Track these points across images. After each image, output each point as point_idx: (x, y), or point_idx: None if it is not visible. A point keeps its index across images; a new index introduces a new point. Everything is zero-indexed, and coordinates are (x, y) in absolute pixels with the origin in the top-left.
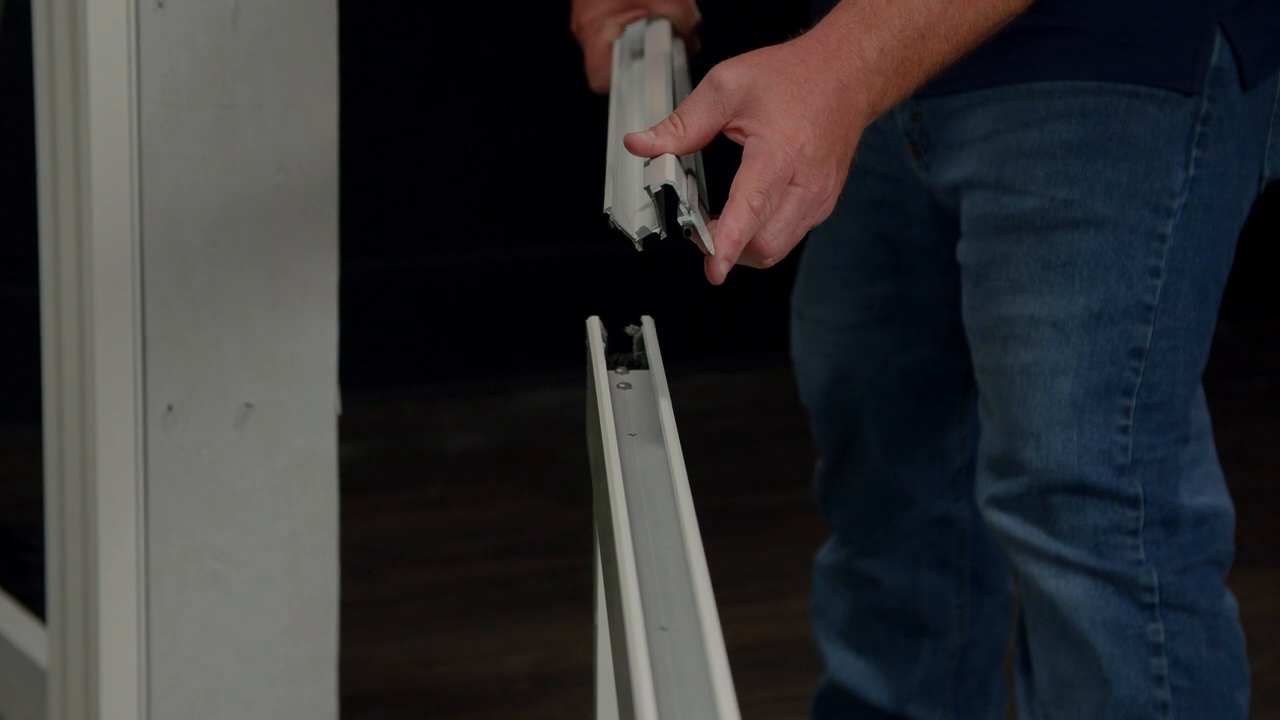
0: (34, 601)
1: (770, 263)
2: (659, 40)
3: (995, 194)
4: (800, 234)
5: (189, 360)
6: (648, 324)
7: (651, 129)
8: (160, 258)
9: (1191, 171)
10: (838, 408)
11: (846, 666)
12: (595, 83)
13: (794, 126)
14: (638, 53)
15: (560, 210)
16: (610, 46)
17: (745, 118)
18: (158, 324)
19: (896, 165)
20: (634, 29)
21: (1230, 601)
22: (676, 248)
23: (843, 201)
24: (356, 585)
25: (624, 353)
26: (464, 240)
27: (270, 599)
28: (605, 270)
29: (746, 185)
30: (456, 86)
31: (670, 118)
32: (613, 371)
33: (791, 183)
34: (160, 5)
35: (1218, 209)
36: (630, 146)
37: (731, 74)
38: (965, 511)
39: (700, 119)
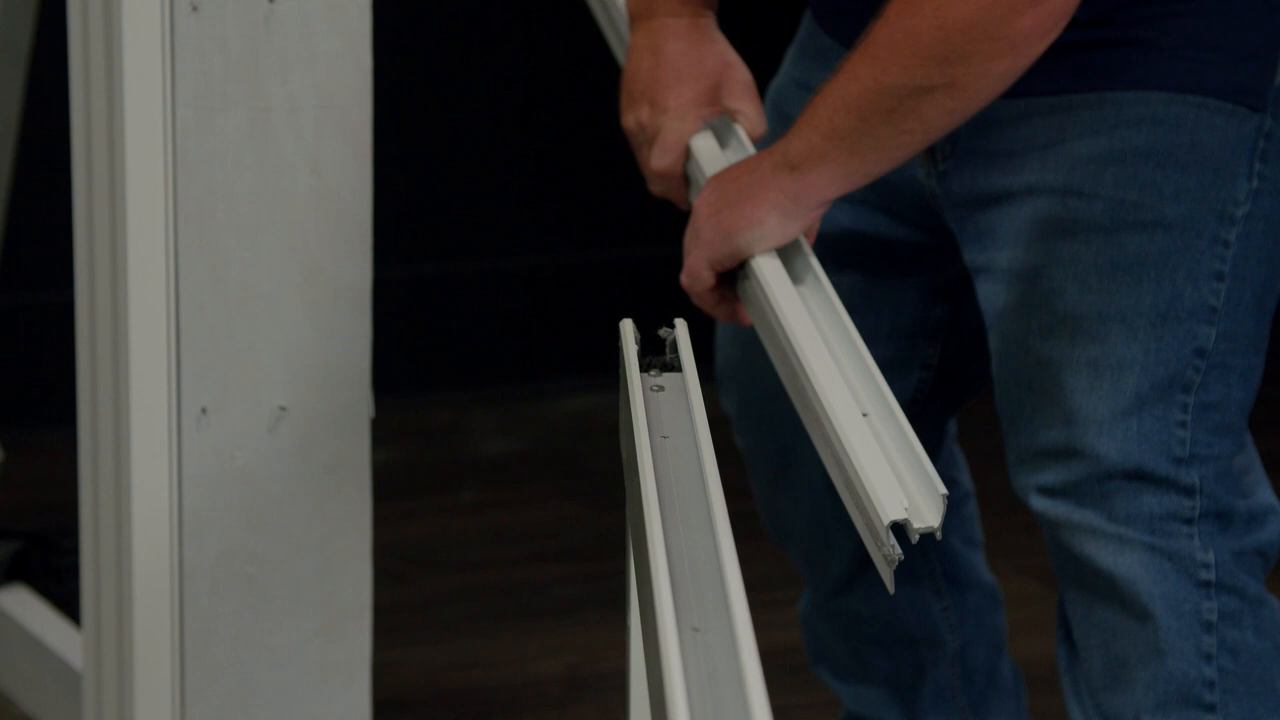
0: (68, 604)
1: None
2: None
3: (1062, 198)
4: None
5: (223, 363)
6: (681, 327)
7: None
8: (194, 261)
9: (1254, 184)
10: (780, 415)
11: (859, 698)
12: (662, 163)
13: None
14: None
15: (593, 215)
16: (686, 141)
17: None
18: (191, 327)
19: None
20: (706, 140)
21: (1273, 600)
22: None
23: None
24: (389, 589)
25: (657, 355)
26: (498, 245)
27: (303, 602)
28: (638, 275)
29: None
30: (490, 91)
31: None
32: (646, 374)
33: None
34: (195, 8)
35: (1276, 224)
36: None
37: None
38: None
39: None
